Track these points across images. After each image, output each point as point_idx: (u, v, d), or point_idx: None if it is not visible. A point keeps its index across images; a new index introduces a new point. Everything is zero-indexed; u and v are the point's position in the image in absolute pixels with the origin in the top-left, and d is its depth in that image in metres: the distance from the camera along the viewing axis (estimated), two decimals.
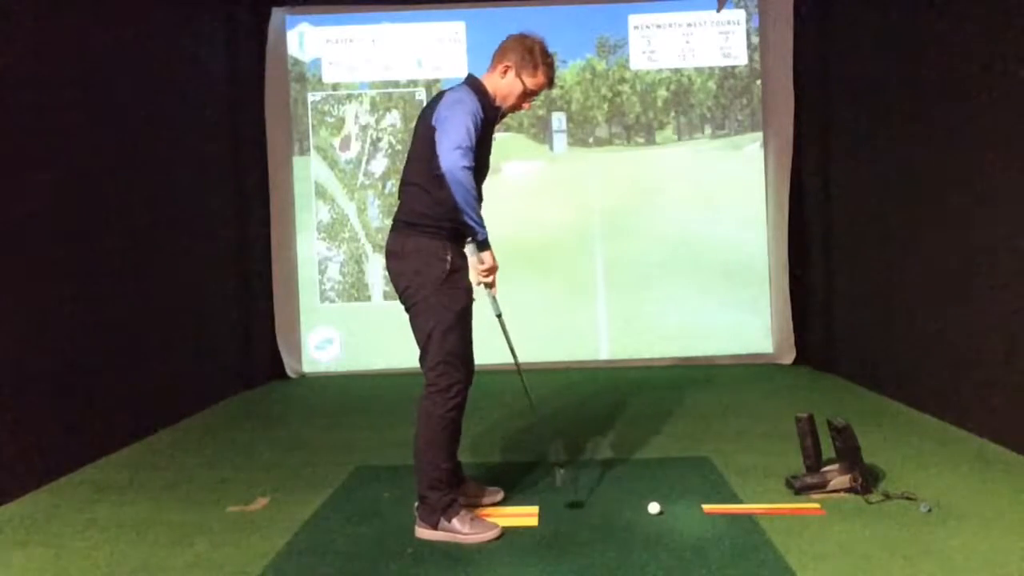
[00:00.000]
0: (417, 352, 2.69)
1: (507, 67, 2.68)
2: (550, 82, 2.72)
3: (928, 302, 4.06)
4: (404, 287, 2.65)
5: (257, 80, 5.88)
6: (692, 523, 2.69)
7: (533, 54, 2.67)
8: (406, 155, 2.78)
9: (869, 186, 4.74)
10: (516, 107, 2.72)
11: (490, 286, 2.70)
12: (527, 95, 2.69)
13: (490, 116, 2.66)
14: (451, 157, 2.47)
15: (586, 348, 5.97)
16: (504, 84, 2.68)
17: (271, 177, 5.99)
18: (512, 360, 2.88)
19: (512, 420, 4.28)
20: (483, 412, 4.24)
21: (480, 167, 2.63)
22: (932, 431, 3.77)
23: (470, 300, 2.66)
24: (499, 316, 2.74)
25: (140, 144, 4.30)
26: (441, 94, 2.71)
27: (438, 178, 2.53)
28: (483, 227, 2.60)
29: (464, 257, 2.66)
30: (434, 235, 2.60)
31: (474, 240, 2.63)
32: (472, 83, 2.70)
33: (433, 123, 2.58)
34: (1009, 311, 3.37)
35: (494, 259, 2.67)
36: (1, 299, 3.21)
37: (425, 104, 2.77)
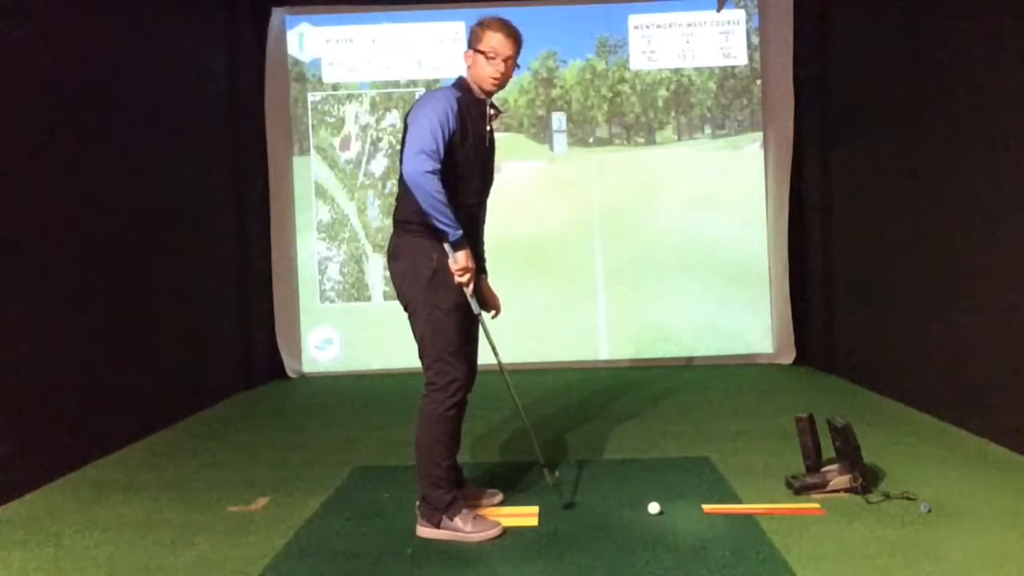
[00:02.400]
0: (417, 351, 2.69)
1: (468, 54, 2.71)
2: (509, 37, 2.66)
3: (928, 302, 4.06)
4: (399, 287, 2.68)
5: (257, 80, 5.88)
6: (692, 523, 2.69)
7: (480, 25, 2.69)
8: None
9: (869, 186, 4.74)
10: (495, 80, 2.67)
11: (466, 285, 2.65)
12: (490, 60, 2.64)
13: (474, 108, 2.67)
14: (412, 163, 2.50)
15: (586, 348, 5.97)
16: (474, 68, 2.69)
17: (271, 177, 5.99)
18: (496, 360, 2.83)
19: (512, 421, 4.28)
20: (483, 413, 4.23)
21: (472, 160, 2.65)
22: (932, 431, 3.77)
23: (463, 297, 2.65)
24: (478, 315, 2.72)
25: (140, 144, 4.30)
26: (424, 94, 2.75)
27: None
28: (455, 228, 2.57)
29: None
30: (421, 234, 2.61)
31: (447, 241, 2.59)
32: (455, 81, 2.74)
33: (407, 120, 2.63)
34: (1009, 311, 3.37)
35: (468, 259, 2.62)
36: (1, 299, 3.20)
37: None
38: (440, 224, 2.54)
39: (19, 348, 3.28)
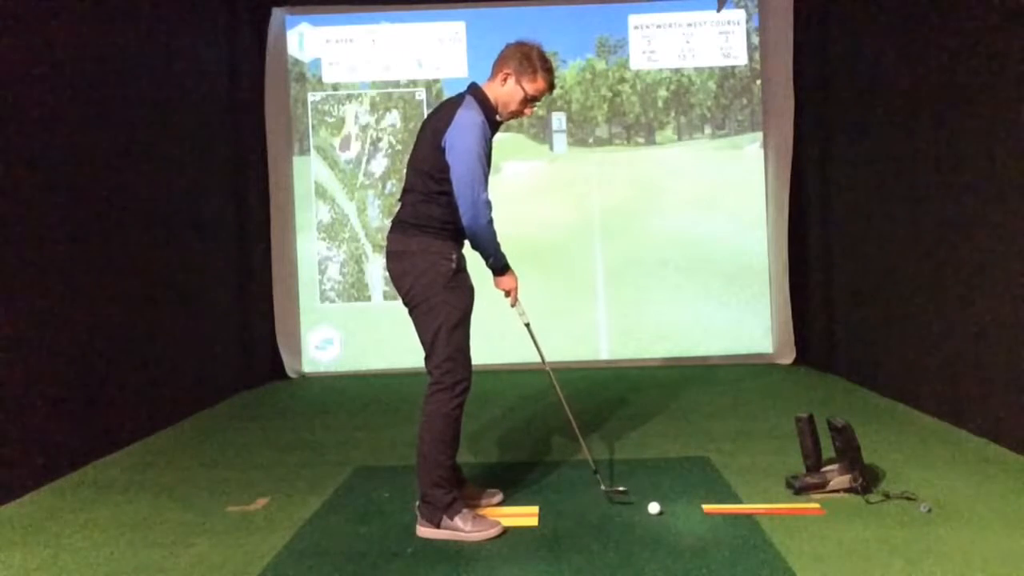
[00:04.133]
0: (420, 351, 2.70)
1: (507, 74, 2.69)
2: (550, 86, 2.74)
3: (928, 302, 4.06)
4: (409, 287, 2.66)
5: (257, 80, 5.89)
6: (692, 523, 2.69)
7: (531, 60, 2.68)
8: (408, 156, 2.79)
9: (869, 186, 4.74)
10: (517, 113, 2.74)
11: (514, 303, 2.85)
12: (528, 101, 2.71)
13: (494, 128, 2.70)
14: (473, 215, 2.58)
15: (586, 348, 5.97)
16: (505, 92, 2.69)
17: (271, 177, 5.99)
18: (545, 367, 3.01)
19: (512, 420, 4.28)
20: (482, 412, 4.23)
21: (490, 166, 2.67)
22: (932, 431, 3.77)
23: (473, 300, 2.69)
24: (527, 325, 2.88)
25: (140, 144, 4.30)
26: (447, 103, 2.72)
27: (443, 195, 2.61)
28: (499, 257, 2.72)
29: (464, 258, 2.69)
30: (439, 235, 2.63)
31: (496, 267, 2.76)
32: (476, 94, 2.69)
33: (443, 145, 2.59)
34: (1009, 311, 3.37)
35: (511, 280, 2.80)
36: (1, 299, 3.20)
37: (430, 109, 2.82)
38: (495, 258, 2.71)
39: (19, 348, 3.28)
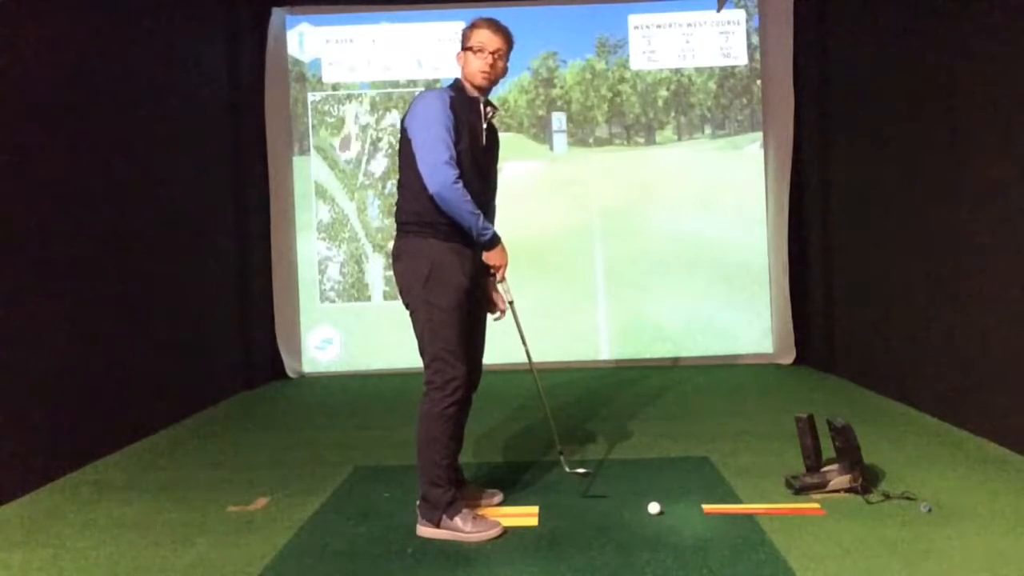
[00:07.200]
0: (418, 350, 2.70)
1: (459, 54, 2.76)
2: (496, 33, 2.71)
3: (928, 302, 4.06)
4: (400, 288, 2.71)
5: (257, 80, 5.89)
6: (692, 523, 2.69)
7: (469, 26, 2.75)
8: None
9: (869, 186, 4.74)
10: (487, 75, 2.70)
11: (500, 280, 2.78)
12: (477, 54, 2.69)
13: (467, 106, 2.69)
14: (436, 178, 2.55)
15: (586, 348, 5.97)
16: (465, 66, 2.74)
17: (271, 177, 6.00)
18: (526, 353, 2.96)
19: (512, 420, 4.29)
20: (484, 412, 4.23)
21: (468, 160, 2.64)
22: (932, 431, 3.77)
23: (463, 297, 2.64)
24: (511, 303, 2.82)
25: (140, 144, 4.30)
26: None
27: (419, 179, 2.59)
28: (485, 229, 2.64)
29: (456, 254, 2.66)
30: (419, 234, 2.64)
31: (482, 242, 2.68)
32: (450, 83, 2.78)
33: (405, 126, 2.68)
34: (1009, 311, 3.37)
35: (501, 256, 2.72)
36: (1, 300, 3.20)
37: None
38: (474, 232, 2.62)
39: (18, 348, 3.28)
